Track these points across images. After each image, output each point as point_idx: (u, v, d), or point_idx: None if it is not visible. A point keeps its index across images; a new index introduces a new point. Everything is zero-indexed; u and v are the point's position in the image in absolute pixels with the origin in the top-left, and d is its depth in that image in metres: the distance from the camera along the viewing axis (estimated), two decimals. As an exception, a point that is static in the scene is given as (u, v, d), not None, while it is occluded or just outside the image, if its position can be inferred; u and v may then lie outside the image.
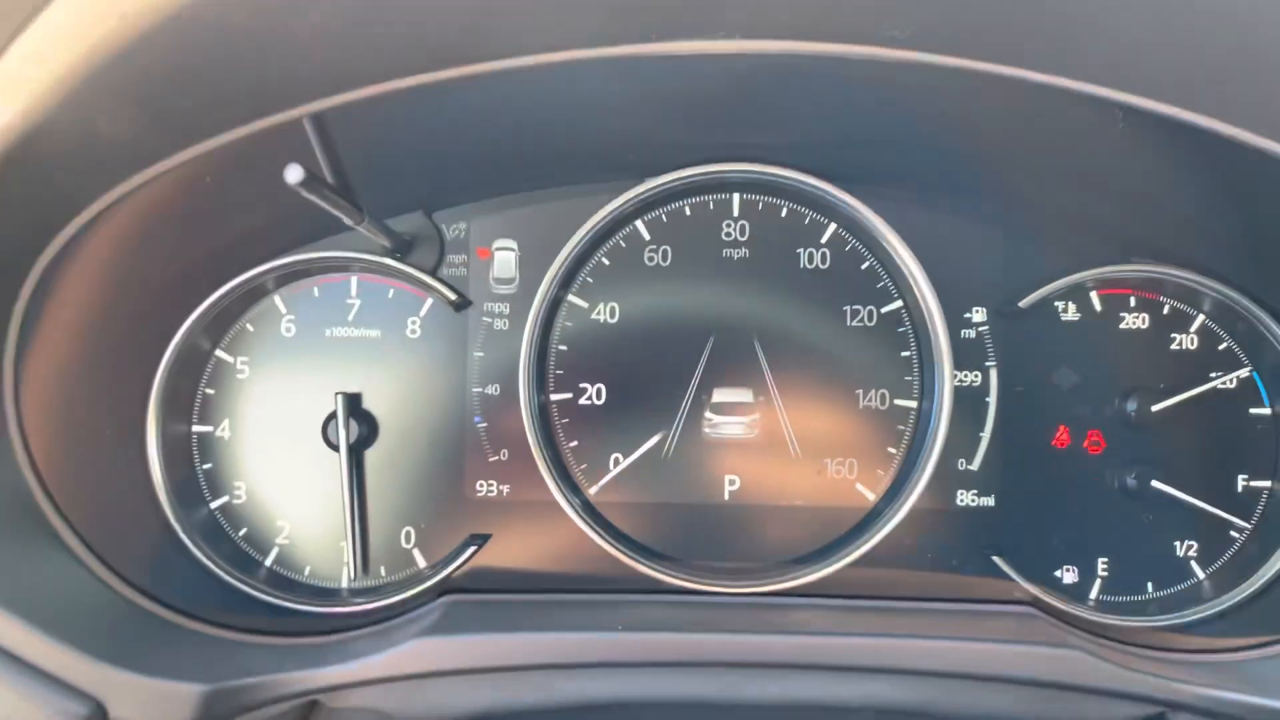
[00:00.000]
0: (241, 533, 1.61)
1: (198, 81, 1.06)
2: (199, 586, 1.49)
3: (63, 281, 1.27)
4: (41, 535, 1.29)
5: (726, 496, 1.61)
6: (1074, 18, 1.03)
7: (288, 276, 1.60)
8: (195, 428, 1.60)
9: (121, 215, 1.26)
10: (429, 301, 1.62)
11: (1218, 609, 1.54)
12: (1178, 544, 1.61)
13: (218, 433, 1.61)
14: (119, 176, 1.19)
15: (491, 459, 1.61)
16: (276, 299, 1.61)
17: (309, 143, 1.25)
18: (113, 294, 1.39)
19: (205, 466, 1.60)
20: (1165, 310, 1.62)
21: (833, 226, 1.61)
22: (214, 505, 1.60)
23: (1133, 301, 1.62)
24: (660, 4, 1.10)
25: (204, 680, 1.23)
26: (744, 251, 1.62)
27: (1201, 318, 1.61)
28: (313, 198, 1.20)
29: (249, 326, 1.61)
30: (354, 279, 1.62)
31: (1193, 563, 1.60)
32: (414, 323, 1.62)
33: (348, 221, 1.33)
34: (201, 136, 1.18)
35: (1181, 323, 1.62)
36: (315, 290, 1.62)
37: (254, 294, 1.59)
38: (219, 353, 1.60)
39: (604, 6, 1.08)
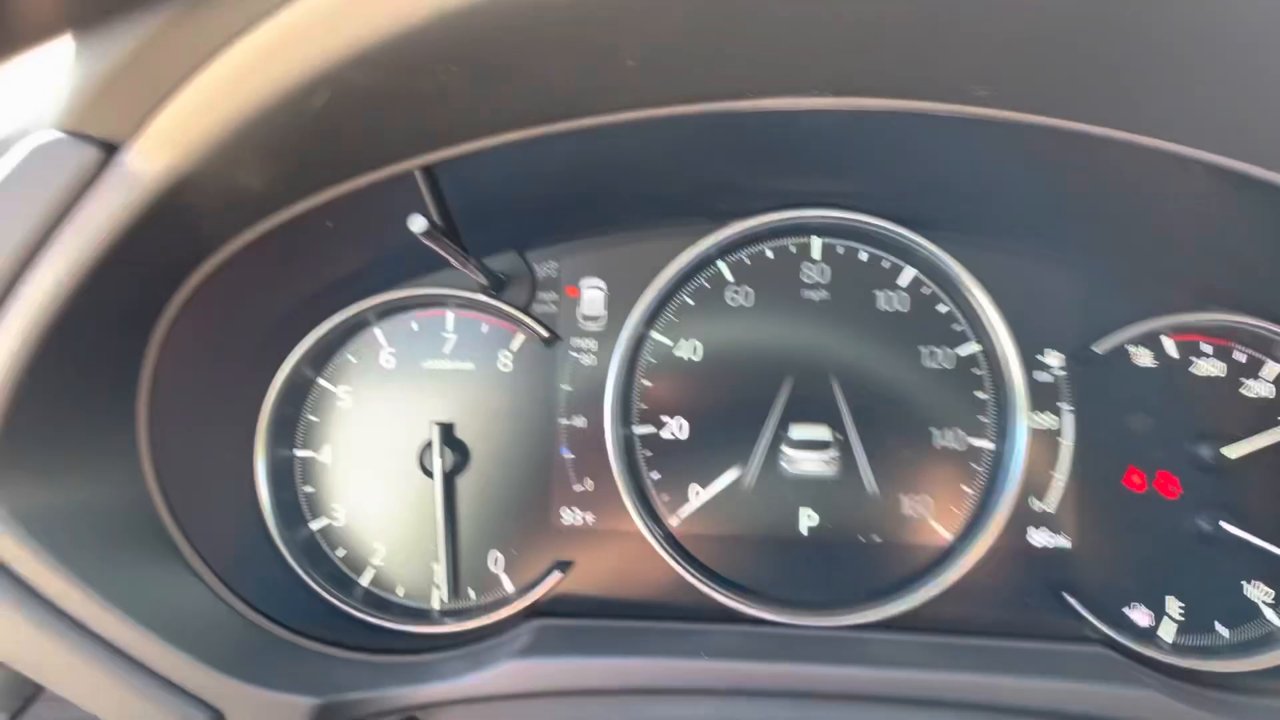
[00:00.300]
0: (340, 553, 1.69)
1: (329, 137, 1.15)
2: (301, 604, 1.57)
3: (188, 317, 1.36)
4: (167, 553, 1.38)
5: (803, 531, 1.66)
6: (1151, 80, 1.08)
7: (388, 311, 1.68)
8: (299, 452, 1.69)
9: (243, 256, 1.35)
10: (520, 336, 1.69)
11: (1292, 654, 1.56)
12: (1252, 588, 1.62)
13: (320, 458, 1.69)
14: (250, 221, 1.29)
15: (577, 488, 1.68)
16: (377, 331, 1.70)
17: (419, 189, 1.33)
18: (231, 327, 1.49)
19: (307, 489, 1.69)
20: (1239, 357, 1.64)
21: (911, 270, 1.67)
22: (315, 526, 1.68)
23: (1207, 348, 1.65)
24: (758, 64, 1.16)
25: (315, 693, 1.30)
26: (824, 293, 1.67)
27: (1275, 365, 1.63)
28: (429, 243, 1.28)
29: (351, 358, 1.70)
30: (450, 314, 1.70)
31: (1267, 607, 1.61)
32: (506, 356, 1.69)
33: (454, 263, 1.41)
34: (326, 185, 1.27)
35: (1256, 369, 1.64)
36: (414, 324, 1.70)
37: (357, 327, 1.68)
38: (322, 382, 1.69)
39: (706, 68, 1.15)
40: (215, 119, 1.04)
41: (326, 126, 1.12)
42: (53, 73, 1.03)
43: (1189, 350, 1.65)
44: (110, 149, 1.07)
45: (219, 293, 1.37)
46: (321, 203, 1.30)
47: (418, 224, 1.21)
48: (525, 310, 1.67)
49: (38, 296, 1.07)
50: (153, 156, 1.07)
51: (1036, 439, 1.61)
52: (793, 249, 1.68)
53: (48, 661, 1.16)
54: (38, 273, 1.07)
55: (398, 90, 1.06)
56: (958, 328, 1.65)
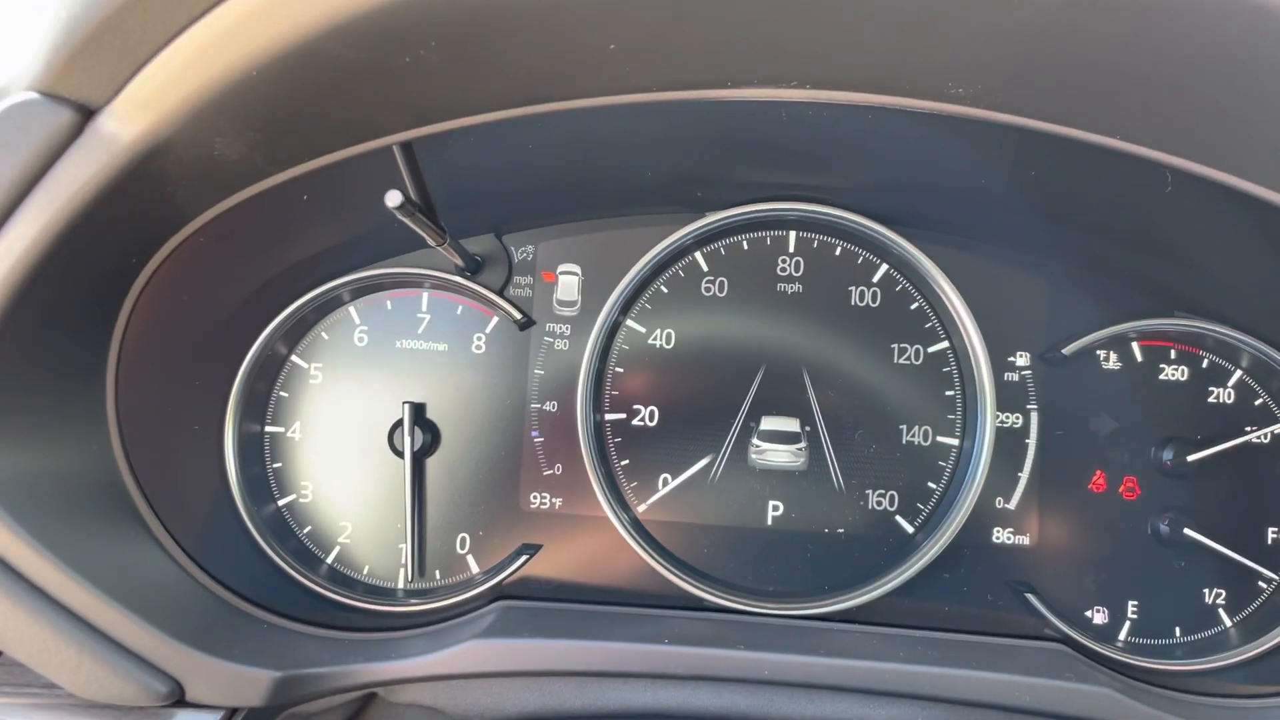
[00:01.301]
0: (306, 530, 1.68)
1: (308, 110, 1.15)
2: (266, 578, 1.57)
3: (161, 286, 1.36)
4: (131, 522, 1.38)
5: (769, 521, 1.67)
6: (1128, 83, 1.09)
7: (363, 289, 1.68)
8: (268, 428, 1.68)
9: (218, 227, 1.35)
10: (495, 319, 1.70)
11: (1243, 656, 1.58)
12: (1207, 591, 1.64)
13: (289, 434, 1.69)
14: (226, 192, 1.28)
15: (546, 472, 1.68)
16: (351, 310, 1.70)
17: (397, 167, 1.33)
18: (204, 299, 1.48)
19: (275, 465, 1.68)
20: (1204, 364, 1.67)
21: (884, 266, 1.68)
22: (282, 502, 1.68)
23: (1173, 354, 1.67)
24: (738, 54, 1.16)
25: (275, 667, 1.29)
26: (797, 286, 1.69)
27: (1239, 373, 1.66)
28: (406, 221, 1.28)
29: (324, 334, 1.70)
30: (425, 294, 1.70)
31: (1221, 610, 1.64)
32: (479, 339, 1.70)
33: (431, 242, 1.41)
34: (303, 159, 1.27)
35: (1220, 377, 1.66)
36: (388, 303, 1.70)
37: (331, 304, 1.67)
38: (294, 358, 1.69)
39: (686, 56, 1.16)
40: (194, 85, 1.03)
41: (306, 99, 1.12)
42: (29, 33, 1.03)
43: (1156, 355, 1.68)
44: (86, 112, 1.06)
45: (193, 263, 1.36)
46: (299, 175, 1.29)
47: (393, 199, 1.21)
48: (500, 293, 1.67)
49: (8, 259, 1.06)
50: (129, 121, 1.05)
51: (1002, 438, 1.63)
52: (768, 241, 1.69)
53: (6, 625, 1.15)
54: (8, 235, 1.06)
55: (376, 65, 1.06)
56: (929, 325, 1.67)
